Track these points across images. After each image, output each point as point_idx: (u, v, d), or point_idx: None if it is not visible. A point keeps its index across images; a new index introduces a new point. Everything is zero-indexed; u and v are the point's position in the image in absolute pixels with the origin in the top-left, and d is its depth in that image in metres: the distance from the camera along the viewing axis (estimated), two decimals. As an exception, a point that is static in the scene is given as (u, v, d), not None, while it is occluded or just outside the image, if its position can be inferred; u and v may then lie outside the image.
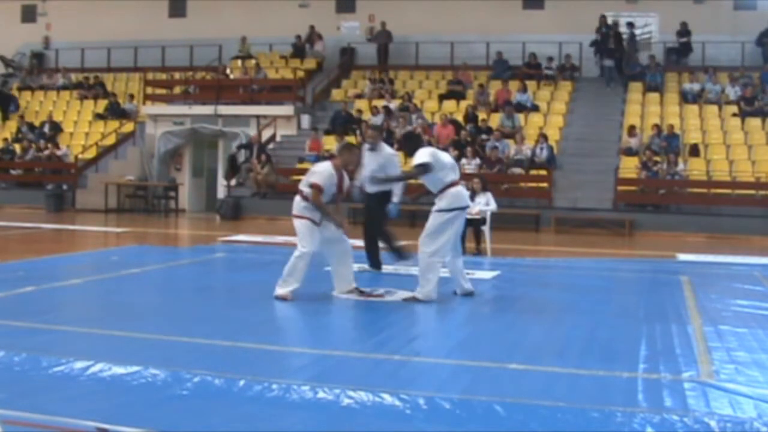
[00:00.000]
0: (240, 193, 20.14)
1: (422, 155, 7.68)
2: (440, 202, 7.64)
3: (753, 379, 5.17)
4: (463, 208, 7.81)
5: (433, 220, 7.65)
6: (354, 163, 8.19)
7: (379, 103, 21.62)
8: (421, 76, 24.25)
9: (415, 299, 7.67)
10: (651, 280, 10.47)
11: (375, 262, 9.93)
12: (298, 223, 7.84)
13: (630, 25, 22.77)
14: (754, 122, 19.69)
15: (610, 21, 22.69)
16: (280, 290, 7.74)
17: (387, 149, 10.04)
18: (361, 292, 8.07)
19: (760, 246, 15.22)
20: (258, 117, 21.69)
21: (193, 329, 6.38)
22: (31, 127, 23.94)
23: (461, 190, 7.79)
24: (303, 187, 7.87)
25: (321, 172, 7.81)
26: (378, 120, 20.79)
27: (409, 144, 8.16)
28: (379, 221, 9.76)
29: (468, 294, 8.09)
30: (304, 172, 20.23)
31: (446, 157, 7.95)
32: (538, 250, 14.21)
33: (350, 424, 4.25)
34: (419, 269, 7.72)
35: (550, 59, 22.92)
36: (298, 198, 7.88)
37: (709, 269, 11.30)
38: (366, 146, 9.88)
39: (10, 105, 25.07)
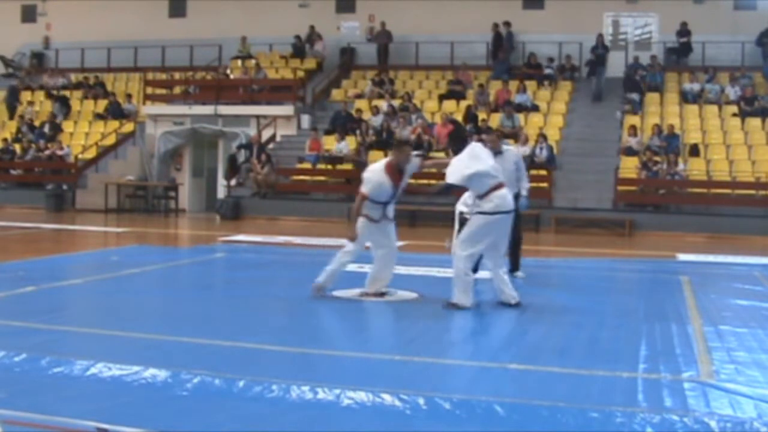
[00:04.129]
0: (240, 193, 20.14)
1: (460, 170, 7.31)
2: (484, 205, 7.26)
3: (753, 379, 5.16)
4: (508, 212, 7.38)
5: (474, 222, 7.30)
6: (406, 162, 7.82)
7: (379, 103, 21.63)
8: (421, 76, 24.24)
9: (454, 306, 7.38)
10: (651, 280, 10.48)
11: (516, 265, 9.67)
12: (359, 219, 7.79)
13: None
14: (754, 122, 19.68)
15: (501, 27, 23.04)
16: (316, 282, 7.85)
17: (511, 149, 9.86)
18: (382, 295, 7.98)
19: (760, 246, 15.22)
20: (258, 117, 21.69)
21: (193, 329, 6.39)
22: (31, 127, 23.94)
23: (506, 194, 7.41)
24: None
25: (370, 179, 7.67)
26: (377, 120, 20.81)
27: (456, 141, 7.66)
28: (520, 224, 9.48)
29: (512, 304, 7.54)
30: (304, 172, 20.42)
31: (490, 159, 7.54)
32: (538, 250, 14.19)
33: (350, 424, 4.25)
34: (453, 274, 7.44)
35: (551, 60, 22.92)
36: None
37: (709, 269, 11.30)
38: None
39: (64, 108, 25.05)
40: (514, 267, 9.55)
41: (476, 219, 7.31)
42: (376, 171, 7.76)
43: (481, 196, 7.29)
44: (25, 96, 26.21)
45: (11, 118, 24.72)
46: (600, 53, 22.45)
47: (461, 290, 7.35)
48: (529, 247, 14.35)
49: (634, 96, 20.95)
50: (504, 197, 7.33)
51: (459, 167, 7.33)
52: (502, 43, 23.56)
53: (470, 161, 7.34)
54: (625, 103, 21.00)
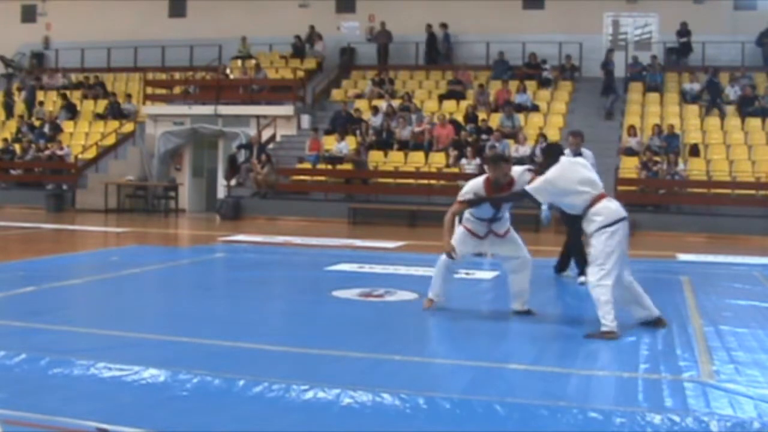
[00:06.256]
0: (240, 193, 20.14)
1: (538, 183, 6.73)
2: (594, 224, 6.56)
3: (753, 379, 5.16)
4: (617, 222, 6.59)
5: (595, 243, 6.58)
6: (504, 179, 7.13)
7: (379, 103, 21.63)
8: (421, 76, 24.25)
9: (600, 335, 6.46)
10: (651, 280, 10.45)
11: (563, 267, 10.00)
12: (458, 229, 7.45)
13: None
14: (754, 122, 19.69)
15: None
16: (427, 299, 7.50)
17: (588, 153, 9.74)
18: (529, 313, 7.37)
19: (760, 246, 15.21)
20: (258, 117, 21.68)
21: (193, 329, 6.38)
22: (31, 127, 23.94)
23: (608, 204, 6.65)
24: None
25: (466, 192, 7.20)
26: (377, 120, 20.81)
27: (549, 157, 7.02)
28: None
29: (652, 322, 6.79)
30: (304, 172, 20.40)
31: (578, 174, 6.75)
32: (538, 250, 14.14)
33: (350, 424, 4.25)
34: (594, 301, 6.63)
35: (544, 62, 22.85)
36: None
37: (709, 269, 11.30)
38: (568, 153, 8.86)
39: (69, 112, 25.09)
40: (580, 270, 9.33)
41: (595, 239, 6.59)
42: (473, 184, 7.27)
43: (583, 217, 6.70)
44: (38, 96, 26.12)
45: (29, 117, 24.72)
46: (611, 68, 21.93)
47: (602, 316, 6.51)
48: (529, 247, 14.30)
49: (718, 100, 20.53)
50: (606, 209, 6.60)
51: (542, 183, 6.75)
52: (436, 44, 23.67)
53: (554, 179, 6.73)
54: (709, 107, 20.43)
